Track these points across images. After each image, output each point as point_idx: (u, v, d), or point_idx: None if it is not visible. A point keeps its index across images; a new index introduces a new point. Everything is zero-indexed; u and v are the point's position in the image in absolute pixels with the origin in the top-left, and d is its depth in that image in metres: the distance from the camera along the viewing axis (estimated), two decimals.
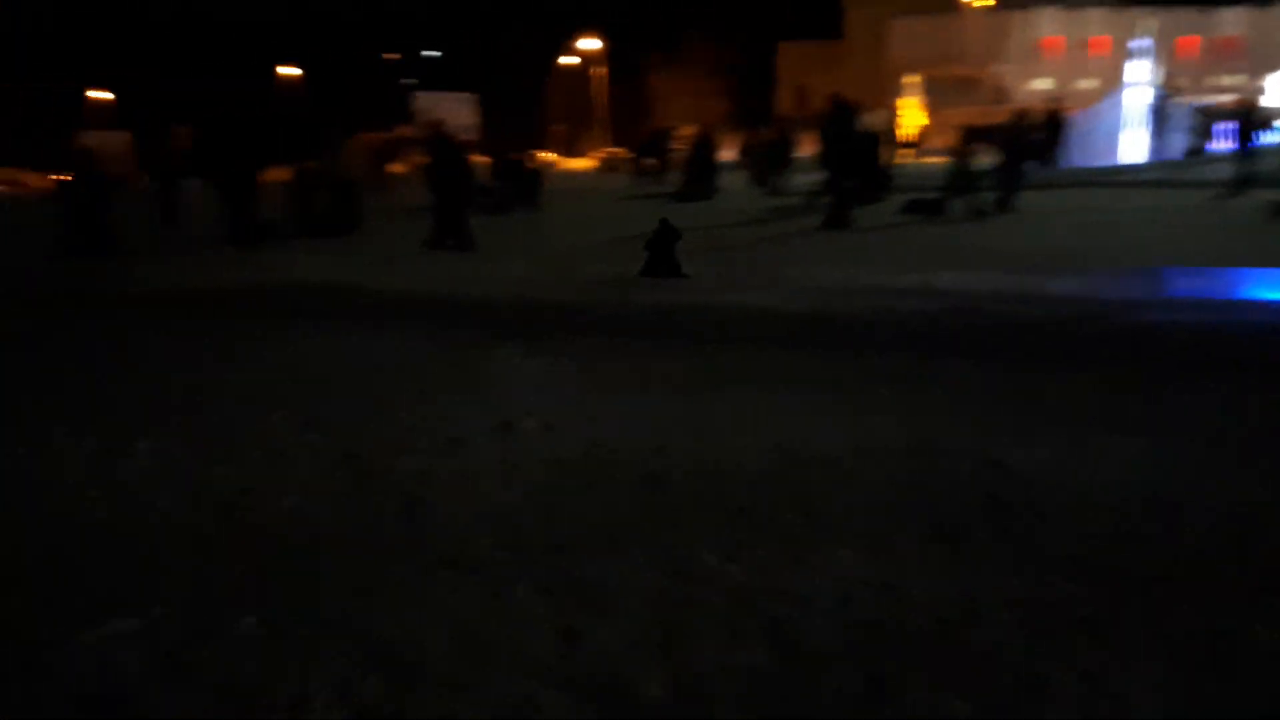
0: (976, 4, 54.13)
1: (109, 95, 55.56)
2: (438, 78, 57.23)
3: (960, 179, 13.58)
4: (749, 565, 2.78)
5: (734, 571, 2.75)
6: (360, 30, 66.21)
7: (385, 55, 66.47)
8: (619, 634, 2.41)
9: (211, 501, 3.36)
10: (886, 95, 39.62)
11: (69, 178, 13.72)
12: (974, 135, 14.36)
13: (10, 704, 2.17)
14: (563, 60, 61.06)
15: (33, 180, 34.06)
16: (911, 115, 42.64)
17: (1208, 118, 23.23)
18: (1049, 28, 51.73)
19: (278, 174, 16.23)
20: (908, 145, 27.80)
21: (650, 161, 24.36)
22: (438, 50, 66.71)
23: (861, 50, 54.46)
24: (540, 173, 20.55)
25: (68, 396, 4.83)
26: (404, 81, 59.31)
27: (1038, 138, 19.38)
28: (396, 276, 9.19)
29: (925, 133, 39.30)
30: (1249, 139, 16.24)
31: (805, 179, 15.77)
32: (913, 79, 48.87)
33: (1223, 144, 19.83)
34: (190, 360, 5.68)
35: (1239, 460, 3.58)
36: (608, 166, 37.33)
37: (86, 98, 55.22)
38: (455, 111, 42.76)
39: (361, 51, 65.10)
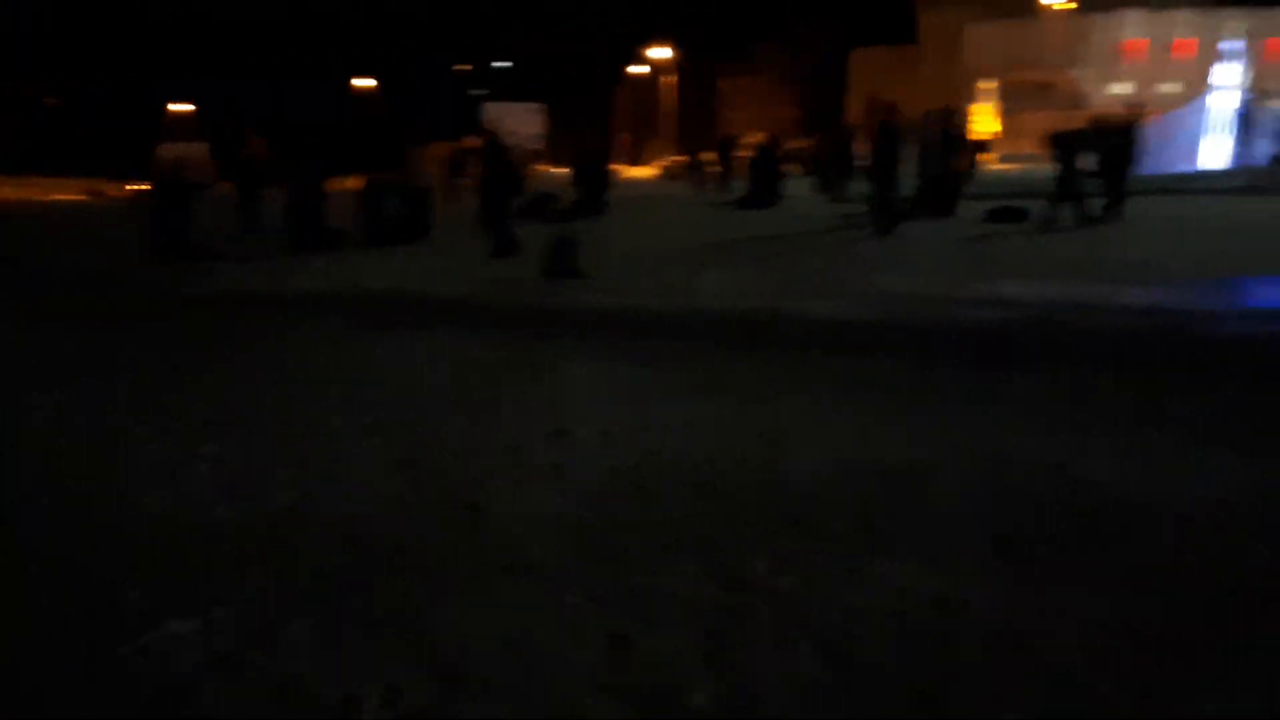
0: (1056, 7, 52.95)
1: (188, 107, 57.27)
2: (508, 88, 58.00)
3: (1064, 185, 13.07)
4: (802, 576, 2.74)
5: (786, 582, 2.71)
6: (433, 41, 67.35)
7: (457, 67, 67.66)
8: (669, 643, 2.40)
9: (273, 505, 3.43)
10: (961, 101, 38.94)
11: (151, 187, 14.17)
12: (1063, 141, 13.76)
13: (79, 701, 2.23)
14: (632, 69, 61.36)
15: (111, 190, 35.35)
16: (985, 121, 41.91)
17: None
18: (1132, 30, 50.29)
19: (350, 182, 16.56)
20: (979, 150, 27.19)
21: (712, 169, 24.36)
22: (509, 61, 67.64)
23: (936, 56, 53.74)
24: (608, 180, 20.67)
25: (138, 398, 4.98)
26: (474, 92, 60.25)
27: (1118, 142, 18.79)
28: (454, 282, 9.30)
29: (999, 139, 38.57)
30: None
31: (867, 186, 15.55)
32: (988, 84, 48.02)
33: None
34: (252, 364, 5.81)
35: None
36: (670, 174, 37.41)
37: (168, 109, 57.06)
38: (524, 121, 43.22)
39: (433, 62, 66.26)
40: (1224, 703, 2.11)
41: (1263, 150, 22.45)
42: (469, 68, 67.99)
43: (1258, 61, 27.90)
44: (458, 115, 48.39)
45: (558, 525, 3.16)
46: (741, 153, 23.81)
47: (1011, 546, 2.91)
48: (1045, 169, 14.15)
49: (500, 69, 67.58)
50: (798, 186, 20.30)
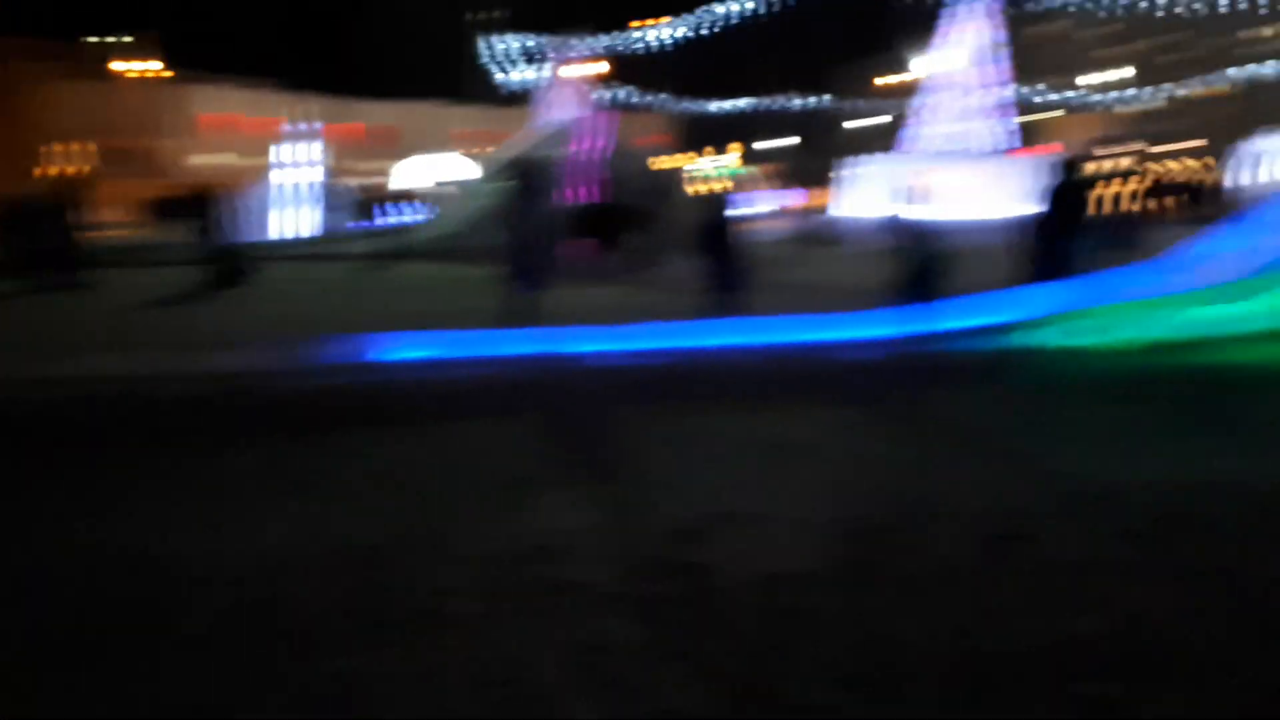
0: (129, 75, 52.07)
1: None
2: None
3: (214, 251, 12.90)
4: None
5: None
6: None
7: None
8: None
9: None
10: (53, 162, 35.96)
11: None
12: (170, 209, 13.72)
13: None
14: None
15: None
16: (85, 186, 39.44)
17: (365, 198, 26.10)
18: (212, 105, 51.95)
19: None
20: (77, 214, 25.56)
21: None
22: None
23: (16, 111, 48.21)
24: None
25: None
26: None
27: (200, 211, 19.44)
28: None
29: (96, 204, 36.57)
30: (385, 218, 19.16)
31: None
32: (73, 148, 45.24)
33: (375, 221, 22.48)
34: None
35: (448, 501, 4.14)
36: None
37: None
38: None
39: None
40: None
41: (342, 221, 25.58)
42: None
43: (335, 143, 31.50)
44: None
45: None
46: None
47: (288, 635, 2.95)
48: (160, 236, 13.88)
49: None
50: None
